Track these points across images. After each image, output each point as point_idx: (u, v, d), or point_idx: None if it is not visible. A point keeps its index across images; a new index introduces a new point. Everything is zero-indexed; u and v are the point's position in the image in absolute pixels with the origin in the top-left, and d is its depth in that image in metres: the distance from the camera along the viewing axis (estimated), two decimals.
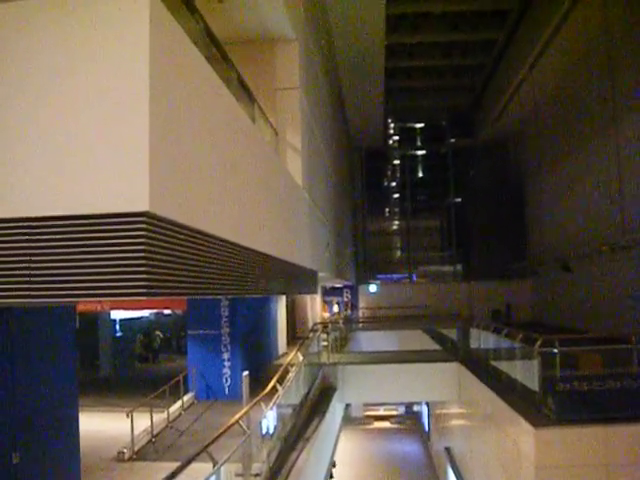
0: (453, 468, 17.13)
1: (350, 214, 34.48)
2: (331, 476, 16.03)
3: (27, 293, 4.13)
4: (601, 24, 19.95)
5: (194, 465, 6.38)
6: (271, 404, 9.68)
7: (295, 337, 29.36)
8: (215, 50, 6.82)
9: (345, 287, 35.35)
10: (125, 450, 11.90)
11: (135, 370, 24.32)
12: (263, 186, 8.42)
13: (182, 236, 4.77)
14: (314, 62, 16.33)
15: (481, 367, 14.86)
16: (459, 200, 38.78)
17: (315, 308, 34.98)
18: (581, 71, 22.56)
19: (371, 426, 30.25)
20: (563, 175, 25.46)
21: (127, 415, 12.15)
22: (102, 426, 14.06)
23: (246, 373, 10.66)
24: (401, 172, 41.49)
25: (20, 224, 4.10)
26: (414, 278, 39.39)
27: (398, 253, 42.52)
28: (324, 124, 18.93)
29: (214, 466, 6.81)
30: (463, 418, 16.73)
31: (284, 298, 27.25)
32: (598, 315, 21.50)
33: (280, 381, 10.87)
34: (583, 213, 22.98)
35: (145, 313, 28.37)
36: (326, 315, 34.89)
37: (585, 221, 22.74)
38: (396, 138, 41.36)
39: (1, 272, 4.14)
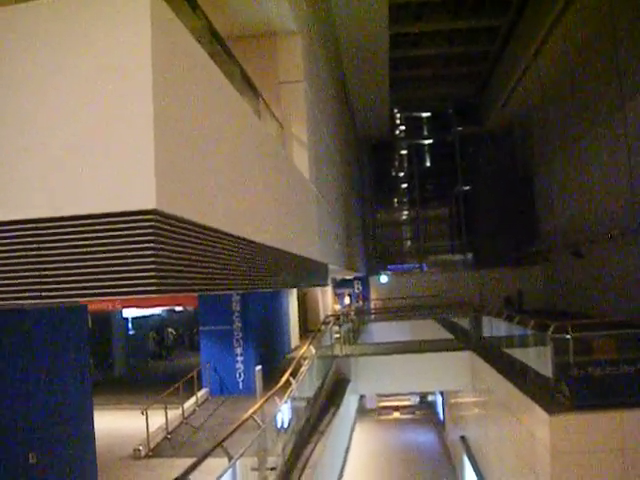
0: (469, 457, 17.13)
1: (359, 205, 34.41)
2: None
3: (38, 294, 4.15)
4: (606, 7, 19.74)
5: (210, 460, 6.41)
6: (285, 398, 9.71)
7: (307, 330, 29.41)
8: (218, 45, 6.80)
9: (356, 279, 35.31)
10: (141, 447, 12.01)
11: (149, 367, 24.45)
12: (270, 180, 8.40)
13: (190, 232, 4.76)
14: (318, 54, 16.27)
15: (494, 355, 14.83)
16: (467, 188, 38.57)
17: (326, 301, 35.02)
18: (586, 55, 22.34)
19: (386, 417, 30.27)
20: (571, 160, 25.25)
21: (142, 412, 12.26)
22: (117, 424, 14.17)
23: (259, 367, 10.69)
24: (408, 162, 41.37)
25: (29, 225, 4.11)
26: (424, 268, 39.31)
27: (408, 243, 42.47)
28: (330, 116, 18.86)
29: (229, 461, 6.85)
30: (477, 407, 16.72)
31: (295, 291, 27.27)
32: (610, 300, 21.37)
33: (293, 374, 10.90)
34: (593, 197, 22.79)
35: (157, 310, 28.45)
36: (337, 307, 34.95)
37: (595, 205, 22.56)
38: (402, 128, 41.21)
39: (13, 274, 4.16)
